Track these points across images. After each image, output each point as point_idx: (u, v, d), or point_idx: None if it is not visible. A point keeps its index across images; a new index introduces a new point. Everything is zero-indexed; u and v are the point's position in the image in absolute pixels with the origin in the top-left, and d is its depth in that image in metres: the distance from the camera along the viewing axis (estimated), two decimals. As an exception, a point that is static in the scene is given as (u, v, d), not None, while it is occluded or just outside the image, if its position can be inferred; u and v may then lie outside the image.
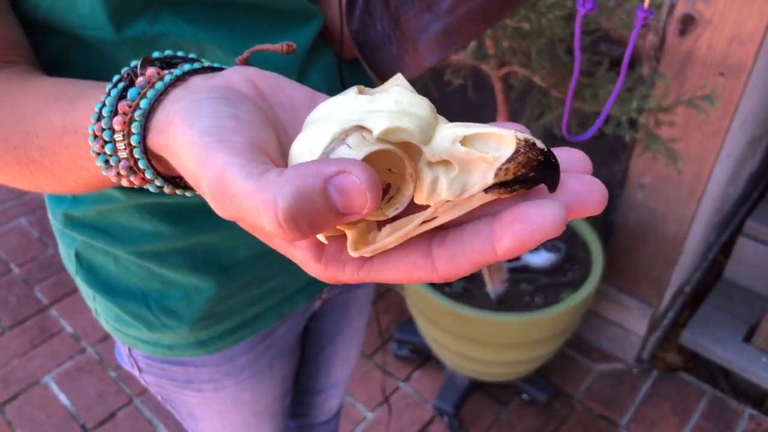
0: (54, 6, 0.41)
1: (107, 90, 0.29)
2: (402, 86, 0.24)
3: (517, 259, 1.31)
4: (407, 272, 0.23)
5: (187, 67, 0.29)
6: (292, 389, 0.84)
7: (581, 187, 0.22)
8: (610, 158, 1.83)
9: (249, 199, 0.20)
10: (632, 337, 1.53)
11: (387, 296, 1.76)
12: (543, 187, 0.22)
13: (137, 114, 0.27)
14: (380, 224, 0.24)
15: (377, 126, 0.22)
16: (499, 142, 0.22)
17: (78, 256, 0.58)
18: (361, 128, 0.22)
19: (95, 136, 0.29)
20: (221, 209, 0.22)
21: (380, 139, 0.22)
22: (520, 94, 1.10)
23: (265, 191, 0.20)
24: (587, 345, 1.62)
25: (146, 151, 0.28)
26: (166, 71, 0.29)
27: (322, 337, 0.86)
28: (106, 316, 0.62)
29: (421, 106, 0.23)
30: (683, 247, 1.37)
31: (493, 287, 1.25)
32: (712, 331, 1.56)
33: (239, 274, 0.58)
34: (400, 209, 0.23)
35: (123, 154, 0.28)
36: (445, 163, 0.23)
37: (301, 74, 0.52)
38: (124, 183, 0.30)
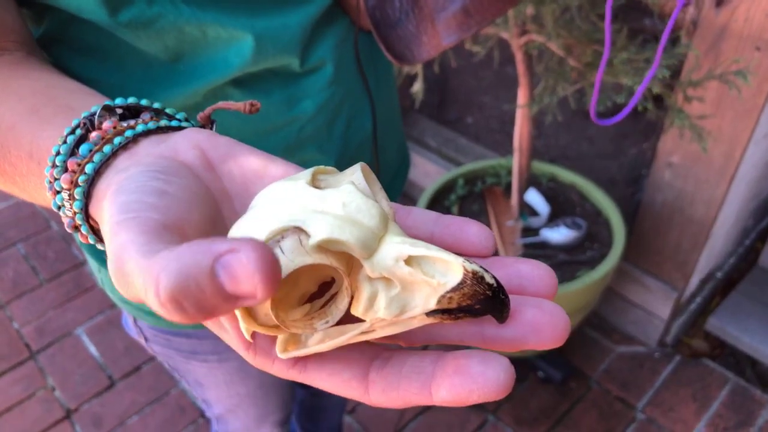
0: None
1: (65, 135, 0.28)
2: (357, 183, 0.23)
3: (536, 234, 1.29)
4: (339, 388, 0.22)
5: (140, 128, 0.28)
6: None
7: (540, 318, 0.21)
8: (643, 136, 1.78)
9: (138, 277, 0.19)
10: (655, 321, 1.50)
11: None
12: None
13: (81, 180, 0.26)
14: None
15: (316, 234, 0.20)
16: (446, 267, 0.21)
17: None
18: (300, 230, 0.21)
19: (50, 182, 0.28)
20: (122, 290, 0.20)
21: (319, 246, 0.20)
22: (546, 64, 1.08)
23: (152, 268, 0.18)
24: (609, 326, 1.59)
25: (88, 217, 0.27)
26: (124, 125, 0.28)
27: None
28: (110, 287, 0.63)
29: (369, 213, 0.21)
30: (712, 230, 1.32)
31: (509, 261, 1.24)
32: (741, 318, 1.51)
33: None
34: (331, 323, 0.22)
35: (69, 213, 0.28)
36: (387, 279, 0.21)
37: (306, 47, 0.51)
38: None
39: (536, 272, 0.22)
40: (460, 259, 0.20)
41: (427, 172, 1.81)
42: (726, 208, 1.32)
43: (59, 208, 0.28)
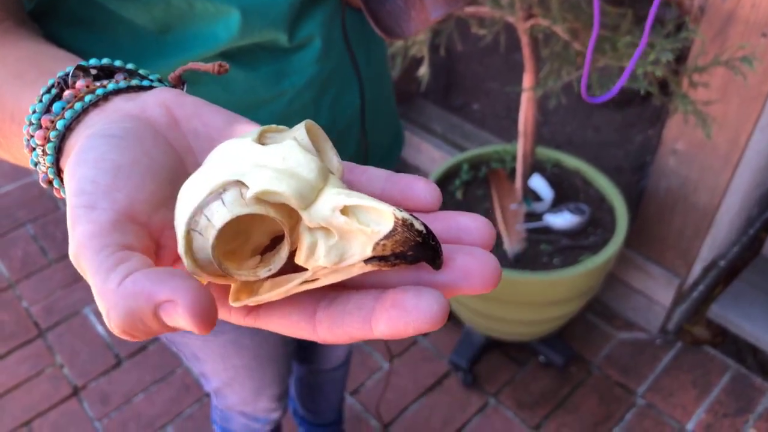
0: None
1: (40, 94, 0.29)
2: (299, 140, 0.24)
3: (539, 219, 1.30)
4: (290, 329, 0.23)
5: (110, 87, 0.29)
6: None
7: (471, 264, 0.22)
8: (649, 124, 1.77)
9: (94, 293, 0.21)
10: (657, 308, 1.50)
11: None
12: None
13: (53, 135, 0.27)
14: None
15: (253, 186, 0.21)
16: (380, 216, 0.22)
17: None
18: (241, 183, 0.22)
19: (27, 140, 0.29)
20: (79, 271, 0.23)
21: (258, 199, 0.22)
22: (551, 48, 1.08)
23: (104, 300, 0.20)
24: (611, 312, 1.60)
25: (60, 171, 0.28)
26: (97, 84, 0.29)
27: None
28: None
29: (308, 166, 0.22)
30: (715, 217, 1.32)
31: (511, 246, 1.25)
32: (743, 306, 1.52)
33: None
34: (273, 270, 0.23)
35: (42, 168, 0.29)
36: (327, 229, 0.22)
37: (294, 23, 0.51)
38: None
39: (473, 224, 0.23)
40: (392, 208, 0.21)
41: (433, 157, 1.82)
42: (730, 196, 1.33)
43: (36, 164, 0.29)
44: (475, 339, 1.46)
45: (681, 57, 1.13)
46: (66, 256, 1.81)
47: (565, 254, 1.25)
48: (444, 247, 0.22)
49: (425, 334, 1.57)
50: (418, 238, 0.21)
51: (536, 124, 1.17)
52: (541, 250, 1.27)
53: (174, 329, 0.21)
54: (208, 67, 0.30)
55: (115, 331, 0.21)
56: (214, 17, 0.46)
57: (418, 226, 0.21)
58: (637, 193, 1.56)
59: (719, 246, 1.53)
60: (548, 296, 1.23)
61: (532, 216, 1.32)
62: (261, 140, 0.24)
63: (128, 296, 0.20)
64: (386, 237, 0.21)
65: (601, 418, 1.39)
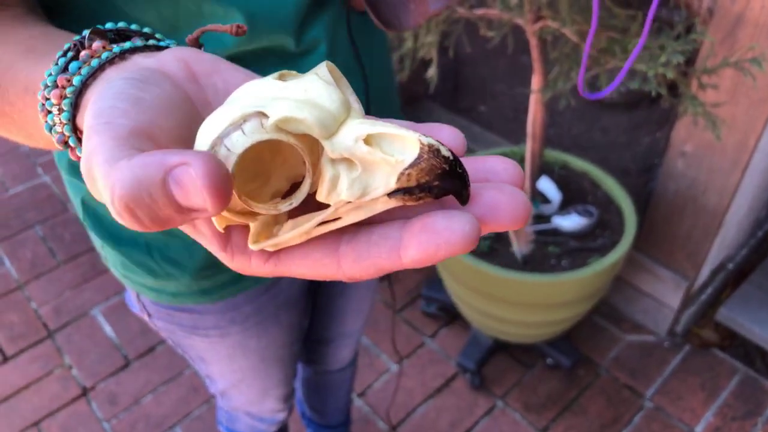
0: None
1: (56, 58, 0.29)
2: (320, 75, 0.23)
3: (547, 221, 1.30)
4: (313, 269, 0.22)
5: (127, 45, 0.28)
6: (302, 337, 0.85)
7: (498, 198, 0.21)
8: (657, 126, 1.77)
9: (101, 182, 0.20)
10: (665, 310, 1.50)
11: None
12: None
13: (69, 91, 0.27)
14: (289, 215, 0.23)
15: (274, 114, 0.21)
16: (404, 144, 0.21)
17: (84, 205, 0.59)
18: (261, 114, 0.21)
19: (42, 104, 0.29)
20: (94, 194, 0.21)
21: (278, 128, 0.21)
22: (560, 50, 1.08)
23: (111, 176, 0.19)
24: (619, 315, 1.59)
25: (76, 129, 0.28)
26: (113, 45, 0.28)
27: (332, 288, 0.87)
28: (113, 262, 0.64)
29: (330, 98, 0.22)
30: (724, 219, 1.32)
31: (519, 247, 1.25)
32: (752, 309, 1.51)
33: None
34: (295, 204, 0.22)
35: (59, 129, 0.28)
36: (349, 161, 0.21)
37: (301, 27, 0.52)
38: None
39: (501, 165, 0.23)
40: (417, 134, 0.20)
41: (440, 159, 1.82)
42: (739, 198, 1.32)
43: (51, 129, 0.29)
44: (482, 341, 1.46)
45: (690, 59, 1.13)
46: (75, 257, 1.82)
47: (573, 256, 1.25)
48: (471, 185, 0.21)
49: (432, 337, 1.57)
50: (444, 165, 0.20)
51: (544, 126, 1.17)
52: (549, 252, 1.26)
53: (180, 210, 0.19)
54: (226, 28, 0.30)
55: (116, 208, 0.18)
56: (221, 20, 0.47)
57: (444, 152, 0.20)
58: (645, 195, 1.55)
59: (728, 248, 1.53)
60: (556, 298, 1.23)
61: (540, 218, 1.32)
62: (281, 80, 0.24)
63: (138, 165, 0.18)
64: (411, 165, 0.20)
65: (609, 421, 1.39)
